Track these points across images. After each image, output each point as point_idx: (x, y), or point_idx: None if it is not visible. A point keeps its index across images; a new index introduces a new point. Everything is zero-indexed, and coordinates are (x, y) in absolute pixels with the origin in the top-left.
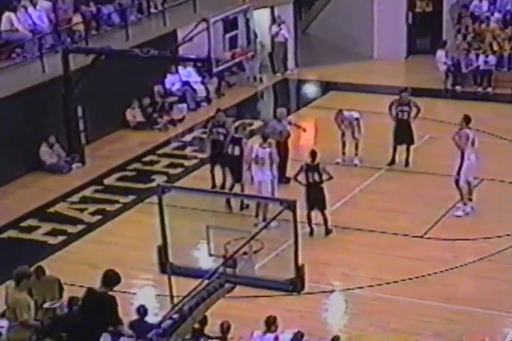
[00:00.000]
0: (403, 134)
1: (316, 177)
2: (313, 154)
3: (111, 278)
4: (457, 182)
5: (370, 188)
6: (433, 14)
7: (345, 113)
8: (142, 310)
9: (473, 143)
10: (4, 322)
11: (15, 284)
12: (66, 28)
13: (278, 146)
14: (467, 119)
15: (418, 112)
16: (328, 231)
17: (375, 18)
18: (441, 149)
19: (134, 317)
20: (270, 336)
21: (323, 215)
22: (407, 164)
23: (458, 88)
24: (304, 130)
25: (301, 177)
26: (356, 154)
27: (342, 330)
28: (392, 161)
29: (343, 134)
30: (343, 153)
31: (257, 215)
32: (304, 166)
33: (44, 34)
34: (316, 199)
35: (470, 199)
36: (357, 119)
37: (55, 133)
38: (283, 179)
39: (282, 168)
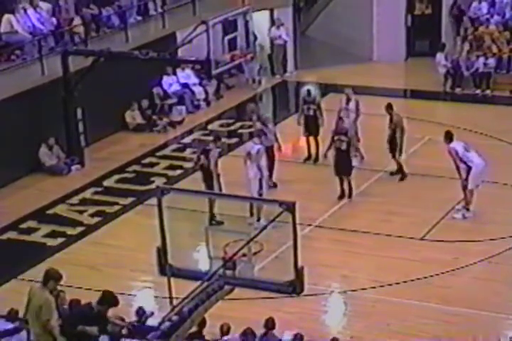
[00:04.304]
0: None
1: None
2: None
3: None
4: (465, 187)
5: (370, 190)
6: (432, 16)
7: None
8: (141, 312)
9: (467, 150)
10: (9, 325)
11: (42, 284)
12: (66, 30)
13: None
14: (447, 135)
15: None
16: (403, 177)
17: (375, 20)
18: (440, 151)
19: (133, 318)
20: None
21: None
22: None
23: (458, 90)
24: (279, 148)
25: None
26: (355, 156)
27: (341, 332)
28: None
29: None
30: None
31: (251, 214)
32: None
33: (44, 36)
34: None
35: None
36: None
37: (55, 134)
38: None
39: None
